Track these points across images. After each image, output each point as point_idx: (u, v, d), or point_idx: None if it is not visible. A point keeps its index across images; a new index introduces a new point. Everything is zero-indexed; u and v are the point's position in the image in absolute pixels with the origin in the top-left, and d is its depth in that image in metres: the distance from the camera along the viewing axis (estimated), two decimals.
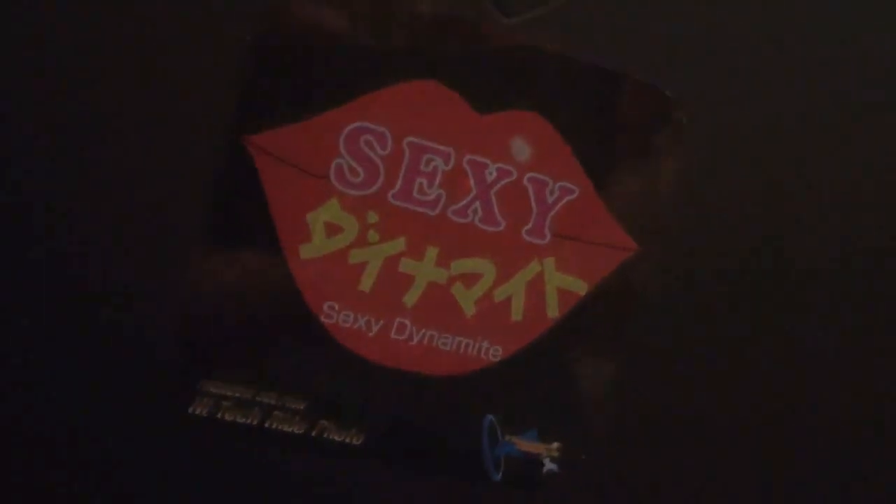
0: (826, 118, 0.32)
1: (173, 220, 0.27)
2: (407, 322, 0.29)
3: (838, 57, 0.32)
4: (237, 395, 0.28)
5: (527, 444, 0.31)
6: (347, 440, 0.29)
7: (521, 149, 0.28)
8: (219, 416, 0.28)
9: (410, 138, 0.28)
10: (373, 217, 0.28)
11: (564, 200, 0.29)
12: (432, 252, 0.28)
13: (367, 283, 0.28)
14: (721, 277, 0.32)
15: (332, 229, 0.28)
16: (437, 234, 0.28)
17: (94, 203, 0.26)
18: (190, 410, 0.28)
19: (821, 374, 0.33)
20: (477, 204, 0.28)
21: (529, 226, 0.29)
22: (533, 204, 0.29)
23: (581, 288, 0.30)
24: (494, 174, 0.28)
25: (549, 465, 0.31)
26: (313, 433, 0.29)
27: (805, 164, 0.32)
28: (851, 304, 0.33)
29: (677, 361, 0.32)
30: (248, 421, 0.28)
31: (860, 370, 0.34)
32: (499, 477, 0.30)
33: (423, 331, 0.29)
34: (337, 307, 0.28)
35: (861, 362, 0.34)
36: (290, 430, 0.29)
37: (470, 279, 0.29)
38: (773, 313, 0.33)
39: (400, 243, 0.28)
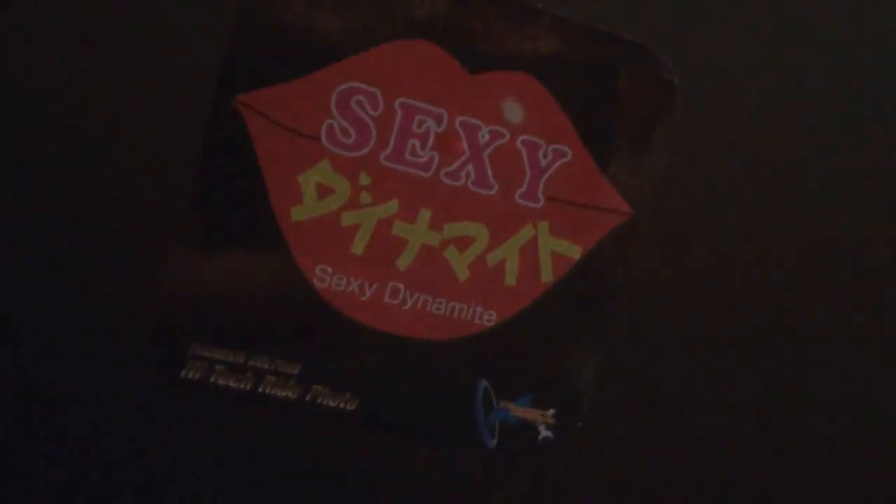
0: (827, 87, 0.32)
1: (162, 181, 0.27)
2: (400, 286, 0.29)
3: (840, 29, 0.31)
4: (230, 359, 0.28)
5: (521, 411, 0.30)
6: (341, 405, 0.29)
7: (514, 110, 0.28)
8: (211, 380, 0.28)
9: (402, 99, 0.27)
10: (365, 179, 0.28)
11: (558, 163, 0.29)
12: (425, 215, 0.28)
13: (359, 247, 0.28)
14: (717, 243, 0.32)
15: (323, 191, 0.27)
16: (430, 197, 0.28)
17: (82, 166, 0.26)
18: (182, 375, 0.28)
19: (813, 345, 0.33)
20: (470, 166, 0.28)
21: (523, 189, 0.29)
22: (526, 167, 0.29)
23: (575, 252, 0.30)
24: (487, 136, 0.28)
25: (544, 433, 0.31)
26: (307, 398, 0.29)
27: (805, 133, 0.32)
28: (849, 282, 0.33)
29: (673, 328, 0.32)
30: (241, 386, 0.28)
31: (854, 348, 0.34)
32: (493, 444, 0.30)
33: (417, 295, 0.29)
34: (330, 270, 0.28)
35: (856, 343, 0.34)
36: (283, 395, 0.28)
37: (463, 243, 0.29)
38: (771, 284, 0.32)
39: (392, 206, 0.28)
